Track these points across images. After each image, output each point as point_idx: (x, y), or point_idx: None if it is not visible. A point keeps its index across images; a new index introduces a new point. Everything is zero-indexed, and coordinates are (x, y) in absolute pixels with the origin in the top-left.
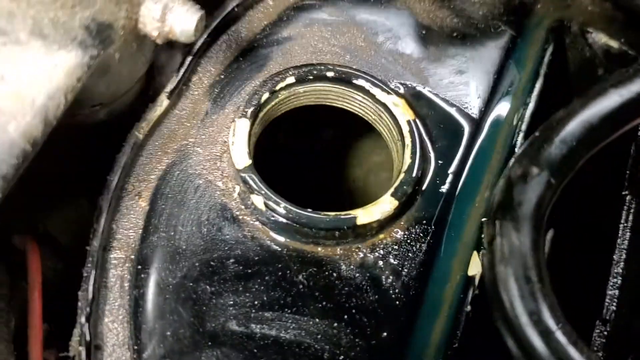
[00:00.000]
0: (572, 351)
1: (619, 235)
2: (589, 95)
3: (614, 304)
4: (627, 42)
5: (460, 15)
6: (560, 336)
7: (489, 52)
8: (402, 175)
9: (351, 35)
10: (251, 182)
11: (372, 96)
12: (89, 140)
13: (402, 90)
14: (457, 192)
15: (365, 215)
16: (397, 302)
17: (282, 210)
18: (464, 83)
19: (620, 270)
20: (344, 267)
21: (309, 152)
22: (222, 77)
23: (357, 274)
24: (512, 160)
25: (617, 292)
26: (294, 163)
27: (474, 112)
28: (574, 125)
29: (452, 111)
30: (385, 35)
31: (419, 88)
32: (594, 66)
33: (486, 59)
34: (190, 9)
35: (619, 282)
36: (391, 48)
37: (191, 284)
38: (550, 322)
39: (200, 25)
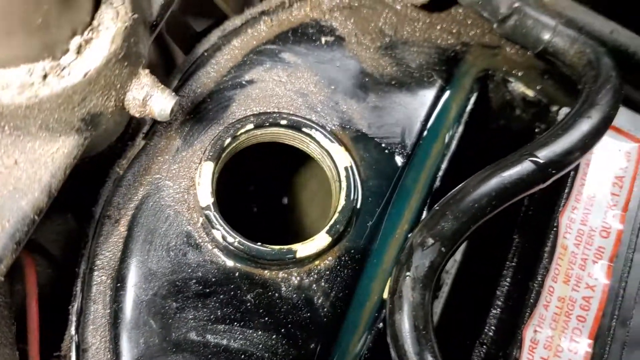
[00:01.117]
0: None
1: (504, 273)
2: (478, 177)
3: (492, 330)
4: (541, 91)
5: (400, 64)
6: None
7: (421, 99)
8: (336, 215)
9: (304, 80)
10: (212, 219)
11: (318, 142)
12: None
13: (343, 134)
14: (382, 226)
15: (303, 249)
16: (325, 319)
17: (236, 243)
18: (396, 129)
19: (500, 303)
20: (284, 288)
21: (267, 181)
22: (192, 116)
23: (294, 295)
24: (416, 229)
25: (495, 321)
26: (254, 194)
27: (403, 154)
28: (465, 204)
29: (385, 154)
30: (333, 81)
31: (359, 132)
32: (513, 107)
33: (417, 106)
34: (168, 97)
35: (498, 312)
36: (338, 93)
37: (160, 300)
38: None
39: (175, 108)
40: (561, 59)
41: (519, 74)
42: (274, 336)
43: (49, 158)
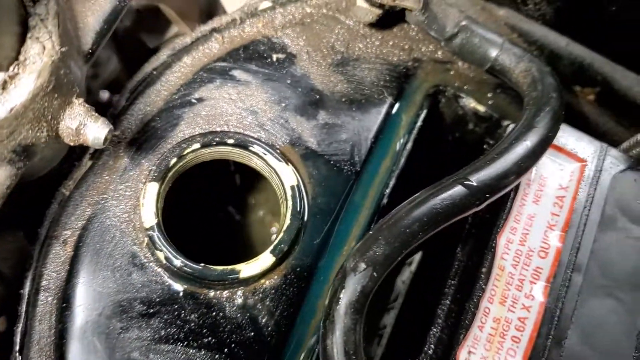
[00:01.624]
0: None
1: (445, 291)
2: (411, 202)
3: (431, 349)
4: (492, 106)
5: (351, 80)
6: None
7: (371, 117)
8: (281, 235)
9: (254, 98)
10: (156, 240)
11: (265, 161)
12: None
13: (292, 152)
14: (329, 243)
15: (247, 269)
16: (269, 338)
17: (179, 264)
18: (346, 145)
19: (440, 321)
20: (228, 308)
21: (219, 197)
22: (140, 135)
23: (239, 314)
24: (349, 253)
25: (434, 339)
26: (204, 209)
27: (352, 171)
28: (397, 229)
29: (334, 171)
30: (284, 98)
31: (308, 149)
32: (466, 121)
33: (367, 123)
34: (101, 125)
35: (438, 331)
36: (288, 111)
37: (105, 321)
38: None
39: (109, 137)
40: (508, 77)
41: (471, 89)
42: (217, 356)
43: None
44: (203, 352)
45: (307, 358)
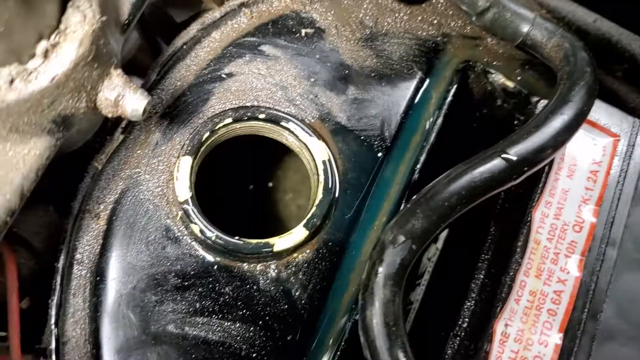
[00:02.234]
0: None
1: (478, 266)
2: (449, 175)
3: (465, 323)
4: (521, 82)
5: (380, 55)
6: None
7: (401, 92)
8: (313, 209)
9: (284, 73)
10: (190, 213)
11: (296, 136)
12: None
13: (322, 127)
14: (360, 218)
15: (281, 243)
16: (303, 311)
17: (214, 238)
18: (376, 121)
19: (474, 295)
20: (262, 281)
21: (250, 173)
22: (171, 110)
23: (272, 287)
24: (387, 226)
25: (468, 313)
26: (233, 185)
27: (382, 147)
28: (435, 203)
29: (364, 146)
30: (313, 74)
31: (338, 125)
32: (494, 98)
33: (397, 98)
34: (140, 97)
35: (472, 305)
36: (317, 86)
37: (139, 294)
38: (401, 356)
39: (147, 108)
40: (539, 52)
41: (500, 64)
42: (252, 328)
43: (20, 160)
44: (238, 324)
45: (340, 331)
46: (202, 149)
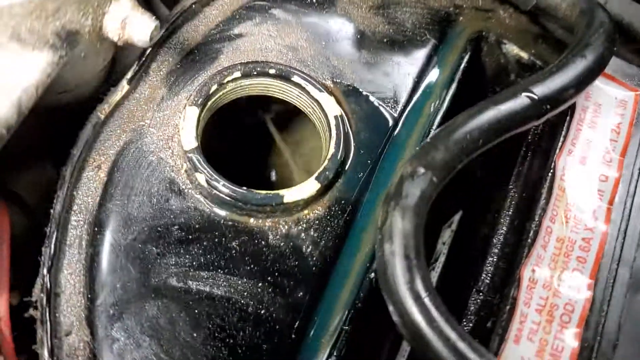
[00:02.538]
0: (434, 313)
1: (500, 221)
2: (471, 110)
3: (488, 278)
4: (535, 54)
5: (392, 22)
6: (427, 301)
7: (413, 57)
8: (325, 162)
9: (295, 36)
10: (196, 162)
11: (307, 92)
12: (55, 116)
13: (334, 87)
14: (373, 177)
15: (291, 194)
16: (314, 268)
17: (221, 187)
18: (388, 84)
19: (496, 251)
20: (271, 236)
21: (254, 134)
22: (178, 67)
23: (282, 243)
24: (406, 160)
25: (491, 268)
26: (239, 145)
27: (395, 109)
28: (457, 135)
29: (377, 108)
30: (324, 37)
31: (350, 86)
32: (508, 72)
33: (410, 63)
34: (147, 20)
35: (495, 259)
36: (329, 49)
37: (139, 245)
38: (422, 290)
39: (154, 33)
40: (553, 13)
41: (513, 37)
42: (259, 284)
43: (20, 71)
44: (245, 280)
45: (352, 290)
46: (209, 103)
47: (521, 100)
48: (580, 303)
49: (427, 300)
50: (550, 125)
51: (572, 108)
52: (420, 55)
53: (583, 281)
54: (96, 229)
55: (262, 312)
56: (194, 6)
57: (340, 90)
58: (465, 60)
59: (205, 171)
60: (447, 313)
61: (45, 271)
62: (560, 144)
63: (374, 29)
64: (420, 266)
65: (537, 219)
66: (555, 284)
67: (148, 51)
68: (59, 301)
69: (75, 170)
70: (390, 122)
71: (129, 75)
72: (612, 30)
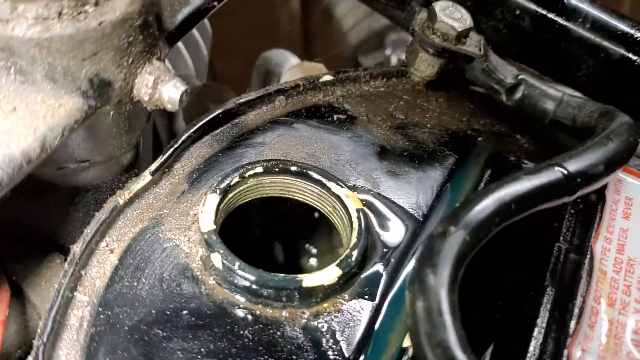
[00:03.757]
0: None
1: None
2: (503, 180)
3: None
4: None
5: (412, 140)
6: None
7: (434, 170)
8: (347, 250)
9: (317, 146)
10: (212, 243)
11: (328, 189)
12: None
13: (355, 189)
14: (399, 275)
15: (311, 279)
16: None
17: (236, 268)
18: (410, 191)
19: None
20: (288, 327)
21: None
22: (202, 166)
23: (300, 335)
24: (437, 223)
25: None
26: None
27: (418, 214)
28: (489, 200)
29: (399, 210)
30: (345, 149)
31: (371, 190)
32: None
33: (431, 175)
34: (178, 83)
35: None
36: (349, 159)
37: (145, 327)
38: (457, 351)
39: (184, 97)
40: (572, 122)
41: (533, 157)
42: None
43: (49, 112)
44: None
45: None
46: (230, 194)
47: (554, 174)
48: None
49: None
50: (582, 220)
51: (603, 201)
52: (441, 167)
53: None
54: (100, 309)
55: None
56: (220, 115)
57: (362, 193)
58: (487, 174)
59: (220, 252)
60: None
61: (41, 343)
62: (594, 230)
63: (393, 144)
64: (456, 325)
65: (580, 299)
66: None
67: (171, 150)
68: None
69: (86, 250)
70: (413, 225)
71: (152, 167)
72: (635, 124)
